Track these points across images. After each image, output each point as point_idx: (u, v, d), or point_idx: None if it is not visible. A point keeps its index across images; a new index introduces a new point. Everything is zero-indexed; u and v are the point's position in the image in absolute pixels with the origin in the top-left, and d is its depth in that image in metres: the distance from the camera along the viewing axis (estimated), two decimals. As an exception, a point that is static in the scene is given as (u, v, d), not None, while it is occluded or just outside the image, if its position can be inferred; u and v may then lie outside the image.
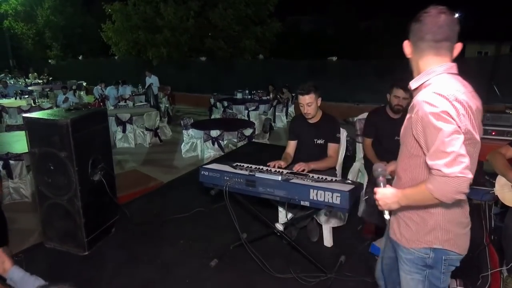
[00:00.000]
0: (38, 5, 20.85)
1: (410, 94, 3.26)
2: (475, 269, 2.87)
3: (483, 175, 3.82)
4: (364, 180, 3.76)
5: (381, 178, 1.70)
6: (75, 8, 21.34)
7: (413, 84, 1.65)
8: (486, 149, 3.23)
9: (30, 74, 18.78)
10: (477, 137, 1.52)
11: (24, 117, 3.13)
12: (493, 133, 3.65)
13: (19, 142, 5.90)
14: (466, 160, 1.37)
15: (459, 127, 1.42)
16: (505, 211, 2.90)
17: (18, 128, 7.67)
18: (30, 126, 3.07)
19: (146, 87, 11.36)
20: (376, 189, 1.67)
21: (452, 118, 1.41)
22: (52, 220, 3.25)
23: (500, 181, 2.79)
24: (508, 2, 18.26)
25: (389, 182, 1.78)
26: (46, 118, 3.01)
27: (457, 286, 2.69)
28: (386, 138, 3.48)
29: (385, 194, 1.63)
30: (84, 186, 3.11)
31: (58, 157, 3.00)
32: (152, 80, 11.32)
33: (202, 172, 2.94)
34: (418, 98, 1.52)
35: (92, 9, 21.30)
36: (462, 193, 1.40)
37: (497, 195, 2.82)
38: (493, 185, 2.94)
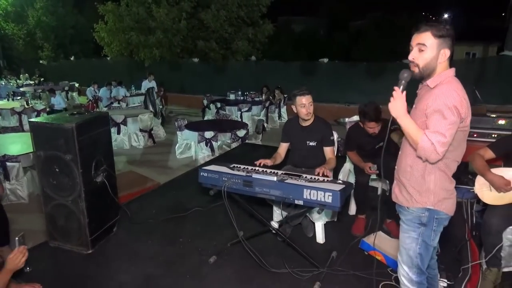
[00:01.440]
0: (29, 5, 20.73)
1: (382, 121, 3.56)
2: (458, 263, 3.07)
3: (467, 175, 4.03)
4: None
5: (403, 82, 1.93)
6: (67, 9, 21.25)
7: (432, 84, 1.93)
8: (468, 150, 3.44)
9: (21, 75, 18.67)
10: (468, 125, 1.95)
11: (30, 122, 3.26)
12: (475, 135, 3.86)
13: (14, 144, 5.97)
14: (448, 146, 1.83)
15: (461, 118, 1.84)
16: (486, 208, 3.10)
17: (13, 130, 7.74)
18: (36, 130, 3.19)
19: (145, 90, 11.04)
20: (396, 89, 1.92)
21: (458, 112, 1.82)
22: (56, 220, 3.37)
23: (479, 180, 2.99)
24: (495, 3, 18.67)
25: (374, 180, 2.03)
26: (51, 122, 3.14)
27: (440, 278, 2.89)
28: (367, 149, 3.75)
29: (398, 103, 1.89)
30: (87, 187, 3.23)
31: (64, 160, 3.12)
32: (152, 84, 11.11)
33: (201, 173, 3.10)
34: (439, 90, 1.86)
35: (83, 10, 21.27)
36: (430, 160, 1.86)
37: (476, 194, 3.02)
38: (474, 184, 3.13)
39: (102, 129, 3.44)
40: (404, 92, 1.91)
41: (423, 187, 2.01)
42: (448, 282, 2.85)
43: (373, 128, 3.55)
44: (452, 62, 1.97)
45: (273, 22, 16.71)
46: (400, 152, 2.18)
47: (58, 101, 10.72)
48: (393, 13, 24.61)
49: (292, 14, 29.95)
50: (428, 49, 1.88)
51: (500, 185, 2.79)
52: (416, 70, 1.93)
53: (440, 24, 1.89)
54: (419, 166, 2.00)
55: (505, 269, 2.93)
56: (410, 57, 1.94)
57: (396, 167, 2.18)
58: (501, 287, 2.79)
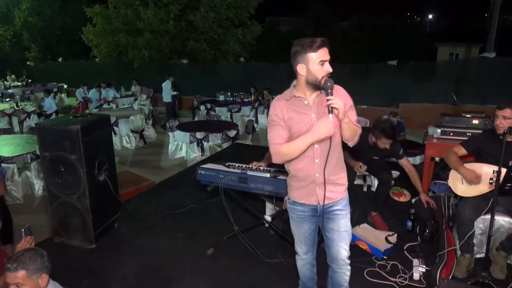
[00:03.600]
0: (15, 6, 20.55)
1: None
2: (435, 251, 3.35)
3: (446, 171, 4.32)
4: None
5: (329, 91, 2.02)
6: (53, 10, 21.10)
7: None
8: (444, 147, 3.73)
9: (8, 77, 18.51)
10: None
11: (36, 124, 3.45)
12: (451, 134, 4.15)
13: (6, 146, 6.06)
14: None
15: None
16: (460, 201, 3.39)
17: (5, 131, 7.81)
18: (42, 132, 3.37)
19: (171, 98, 10.77)
20: (331, 97, 1.99)
21: None
22: (61, 217, 3.56)
23: (453, 175, 3.27)
24: (478, 4, 19.13)
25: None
26: (57, 124, 3.33)
27: (419, 264, 3.17)
28: (362, 155, 3.91)
29: (342, 105, 1.98)
30: (91, 185, 3.43)
31: (69, 160, 3.32)
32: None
33: (199, 171, 3.33)
34: (342, 91, 2.19)
35: (70, 11, 21.14)
36: (355, 141, 2.19)
37: (450, 186, 3.31)
38: (451, 179, 3.41)
39: (104, 131, 3.65)
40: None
41: (343, 169, 2.31)
42: (426, 268, 3.14)
43: (385, 144, 3.73)
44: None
45: (260, 23, 16.95)
46: (316, 161, 2.19)
47: (49, 103, 10.72)
48: (378, 14, 25.07)
49: (279, 15, 30.20)
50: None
51: (471, 179, 3.07)
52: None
53: None
54: (339, 154, 2.25)
55: (477, 255, 3.23)
56: (330, 70, 2.13)
57: (317, 175, 2.20)
58: (474, 271, 3.07)
